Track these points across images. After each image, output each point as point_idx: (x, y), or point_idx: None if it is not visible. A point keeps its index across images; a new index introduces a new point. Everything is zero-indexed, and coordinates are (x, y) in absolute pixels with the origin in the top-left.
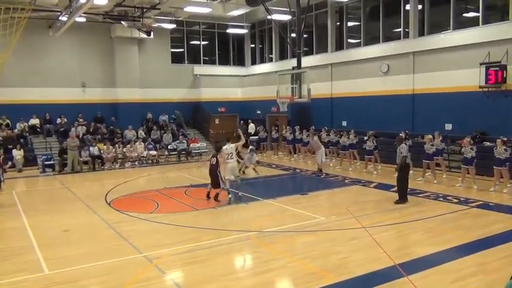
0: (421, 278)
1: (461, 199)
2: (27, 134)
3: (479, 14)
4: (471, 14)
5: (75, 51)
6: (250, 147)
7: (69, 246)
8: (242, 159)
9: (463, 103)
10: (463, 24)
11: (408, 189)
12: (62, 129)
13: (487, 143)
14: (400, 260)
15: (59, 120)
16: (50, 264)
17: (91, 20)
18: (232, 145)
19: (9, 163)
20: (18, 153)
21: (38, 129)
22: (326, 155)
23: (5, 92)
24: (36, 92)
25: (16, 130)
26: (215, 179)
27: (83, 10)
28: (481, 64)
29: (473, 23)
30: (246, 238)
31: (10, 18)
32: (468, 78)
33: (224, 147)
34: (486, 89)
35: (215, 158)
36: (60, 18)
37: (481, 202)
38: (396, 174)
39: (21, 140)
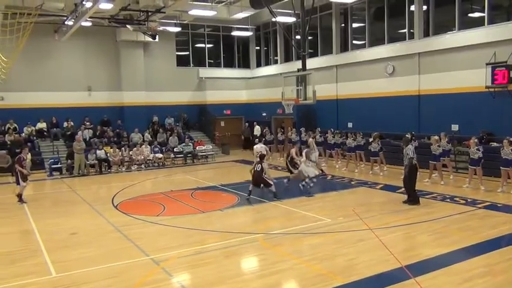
0: (428, 279)
1: (469, 200)
2: (35, 138)
3: (485, 14)
4: (476, 14)
5: (81, 55)
6: (306, 150)
7: (77, 249)
8: (296, 168)
9: (469, 104)
10: (469, 24)
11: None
12: (69, 132)
13: (494, 144)
14: (407, 261)
15: (65, 124)
16: (57, 267)
17: (97, 24)
18: (264, 145)
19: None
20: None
21: (45, 133)
22: (332, 156)
23: (12, 97)
24: (43, 96)
25: (23, 134)
26: (264, 182)
27: (88, 14)
28: (487, 64)
29: (478, 23)
30: (252, 240)
31: (17, 23)
32: (474, 78)
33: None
34: (492, 89)
35: (260, 165)
36: (66, 22)
37: (488, 203)
38: (403, 176)
39: (29, 144)
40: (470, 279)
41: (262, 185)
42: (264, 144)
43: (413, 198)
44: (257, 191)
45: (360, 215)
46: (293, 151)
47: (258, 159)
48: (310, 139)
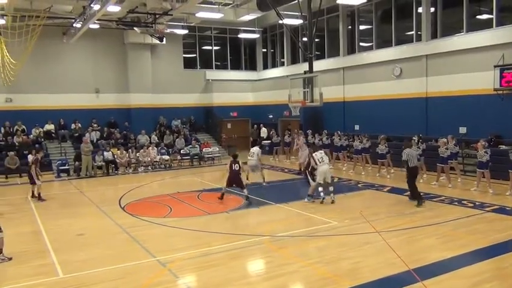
0: (436, 283)
1: (477, 203)
2: (43, 140)
3: (493, 16)
4: (484, 16)
5: (89, 57)
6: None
7: (84, 250)
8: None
9: (477, 106)
10: (477, 26)
11: (422, 193)
12: (77, 134)
13: (503, 146)
14: (414, 265)
15: (73, 126)
16: (64, 268)
17: (104, 27)
18: (256, 147)
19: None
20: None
21: (53, 135)
22: (339, 159)
23: (20, 98)
24: (51, 97)
25: (31, 136)
26: (240, 183)
27: (96, 17)
28: (495, 66)
29: (486, 25)
30: (258, 242)
31: (25, 26)
32: (482, 80)
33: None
34: (501, 92)
35: (238, 164)
36: (74, 25)
37: (496, 206)
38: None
39: (37, 146)
40: (478, 283)
41: (234, 185)
42: (270, 146)
43: (417, 198)
44: (261, 191)
45: (366, 218)
46: (313, 161)
47: (232, 159)
48: (302, 138)
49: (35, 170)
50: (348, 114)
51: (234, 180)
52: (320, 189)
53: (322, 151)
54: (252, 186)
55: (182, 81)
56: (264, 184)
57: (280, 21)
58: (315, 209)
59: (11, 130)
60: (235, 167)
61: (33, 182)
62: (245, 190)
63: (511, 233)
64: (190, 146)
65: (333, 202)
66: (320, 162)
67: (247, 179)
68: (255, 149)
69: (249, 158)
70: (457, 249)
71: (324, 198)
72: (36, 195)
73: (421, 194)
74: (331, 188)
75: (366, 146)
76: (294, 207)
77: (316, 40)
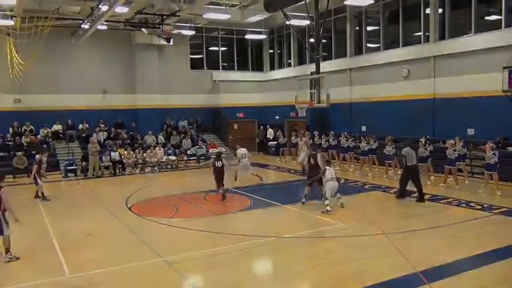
0: (443, 285)
1: (485, 205)
2: (50, 140)
3: (502, 17)
4: (493, 17)
5: (97, 58)
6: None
7: (91, 250)
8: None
9: (486, 107)
10: (485, 27)
11: (430, 195)
12: (84, 134)
13: (511, 148)
14: (421, 267)
15: (80, 126)
16: (71, 267)
17: (112, 28)
18: (245, 149)
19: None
20: None
21: (61, 135)
22: (345, 160)
23: (28, 99)
24: (59, 98)
25: (39, 136)
26: (222, 180)
27: (104, 18)
28: (504, 68)
29: (495, 26)
30: (265, 243)
31: (34, 27)
32: (491, 82)
33: (238, 150)
34: (509, 93)
35: (221, 162)
36: (82, 26)
37: (505, 209)
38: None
39: (44, 146)
40: (485, 286)
41: (218, 183)
42: (277, 147)
43: (401, 192)
44: (267, 194)
45: (373, 219)
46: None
47: (215, 157)
48: (305, 139)
49: (38, 172)
50: (355, 115)
51: (218, 177)
52: (326, 202)
53: (332, 168)
54: (257, 187)
55: (189, 82)
56: (261, 181)
57: (287, 22)
58: (321, 210)
59: (19, 130)
60: (218, 164)
61: (36, 183)
62: (221, 190)
63: None
64: (197, 146)
65: (342, 206)
66: (331, 179)
67: (235, 179)
68: (244, 151)
69: (242, 159)
70: (465, 251)
71: (328, 212)
72: (40, 195)
73: (429, 195)
74: (338, 195)
75: (373, 147)
76: (300, 209)
77: (323, 41)
